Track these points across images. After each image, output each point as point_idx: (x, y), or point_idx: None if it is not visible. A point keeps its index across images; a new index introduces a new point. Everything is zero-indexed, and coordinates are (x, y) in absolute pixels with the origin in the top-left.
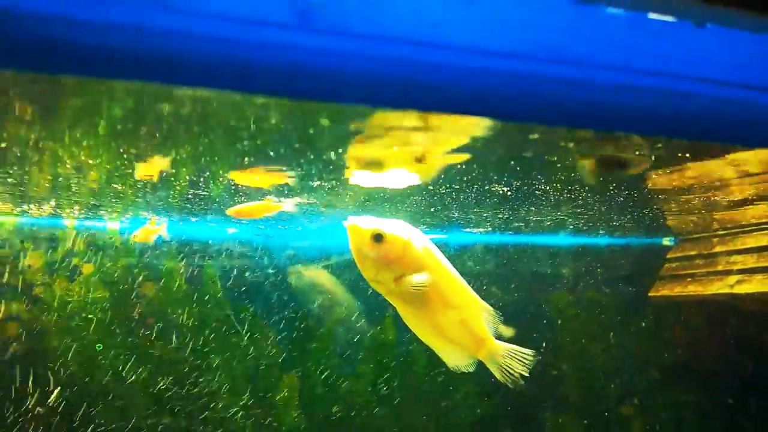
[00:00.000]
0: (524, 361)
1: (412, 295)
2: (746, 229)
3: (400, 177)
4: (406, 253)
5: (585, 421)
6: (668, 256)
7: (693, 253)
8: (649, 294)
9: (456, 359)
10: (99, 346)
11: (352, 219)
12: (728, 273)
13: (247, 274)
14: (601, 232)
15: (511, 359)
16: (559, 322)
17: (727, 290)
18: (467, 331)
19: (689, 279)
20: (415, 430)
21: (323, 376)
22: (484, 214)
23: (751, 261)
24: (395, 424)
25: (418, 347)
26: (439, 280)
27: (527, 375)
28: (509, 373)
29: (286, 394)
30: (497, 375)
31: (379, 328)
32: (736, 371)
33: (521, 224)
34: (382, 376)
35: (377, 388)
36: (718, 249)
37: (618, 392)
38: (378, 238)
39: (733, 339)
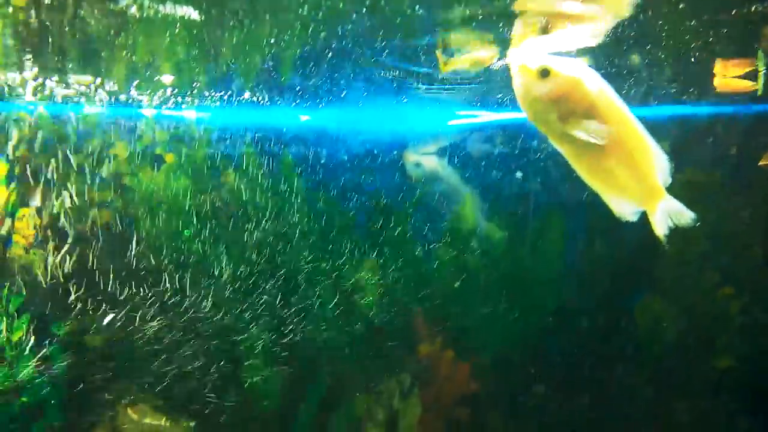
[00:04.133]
0: (685, 221)
1: (580, 138)
2: None
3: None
4: (576, 92)
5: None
6: None
7: None
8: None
9: (623, 208)
10: (187, 232)
11: (518, 56)
12: None
13: (322, 161)
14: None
15: (673, 216)
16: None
17: None
18: (639, 179)
19: None
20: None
21: (401, 263)
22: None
23: None
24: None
25: None
26: (612, 124)
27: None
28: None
29: (367, 277)
30: (656, 230)
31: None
32: None
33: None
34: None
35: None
36: None
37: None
38: (545, 73)
39: None
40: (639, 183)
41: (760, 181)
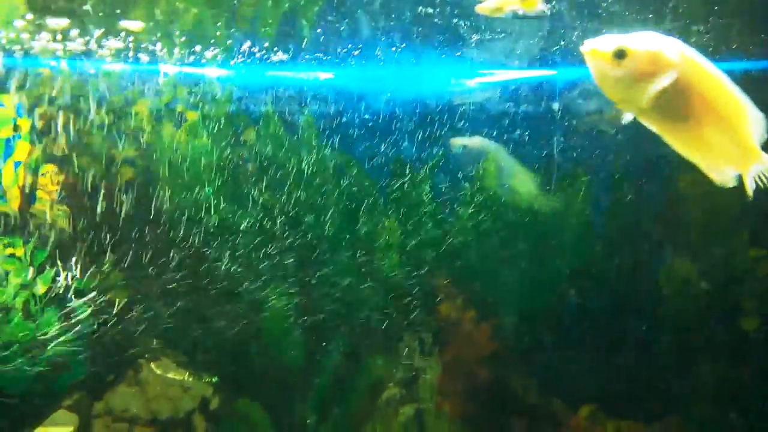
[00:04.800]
0: None
1: (669, 110)
2: None
3: None
4: (658, 65)
5: None
6: None
7: None
8: None
9: (721, 175)
10: (209, 190)
11: (590, 42)
12: None
13: (343, 119)
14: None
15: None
16: None
17: None
18: (736, 143)
19: None
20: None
21: (421, 223)
22: None
23: None
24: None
25: None
26: (701, 88)
27: None
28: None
29: (387, 238)
30: (748, 189)
31: None
32: None
33: None
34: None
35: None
36: None
37: None
38: (620, 54)
39: None
40: (736, 147)
41: None
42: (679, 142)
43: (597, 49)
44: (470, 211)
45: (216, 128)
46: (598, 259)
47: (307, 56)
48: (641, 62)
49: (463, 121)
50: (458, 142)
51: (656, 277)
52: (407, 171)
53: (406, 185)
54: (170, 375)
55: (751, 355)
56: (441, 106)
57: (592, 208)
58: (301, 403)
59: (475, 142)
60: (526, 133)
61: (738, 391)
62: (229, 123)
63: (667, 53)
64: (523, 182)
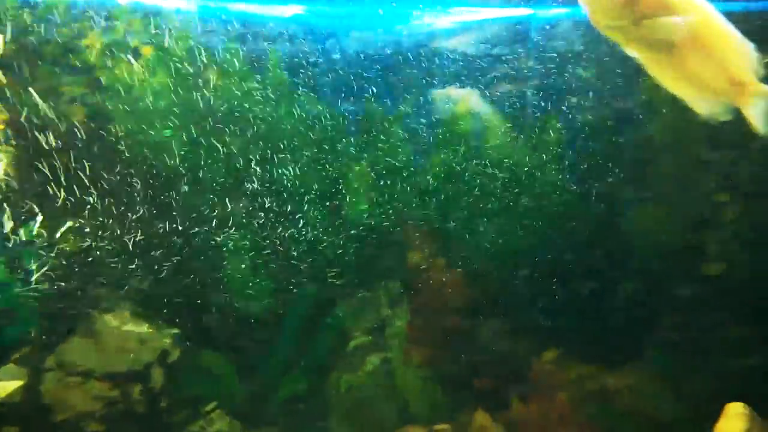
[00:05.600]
0: None
1: (656, 40)
2: None
3: None
4: None
5: None
6: None
7: None
8: None
9: (710, 107)
10: (167, 132)
11: None
12: None
13: (312, 59)
14: None
15: None
16: None
17: None
18: (724, 74)
19: None
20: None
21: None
22: None
23: None
24: None
25: None
26: (686, 17)
27: None
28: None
29: (356, 185)
30: (755, 124)
31: None
32: None
33: None
34: None
35: None
36: None
37: None
38: None
39: None
40: (724, 77)
41: None
42: (666, 76)
43: None
44: (440, 156)
45: (174, 65)
46: (568, 205)
47: None
48: None
49: (433, 64)
50: (441, 94)
51: (626, 223)
52: (376, 116)
53: (374, 131)
54: (127, 327)
55: (713, 301)
56: (412, 48)
57: (563, 155)
58: (266, 354)
59: (458, 93)
60: (498, 76)
61: (701, 338)
62: (188, 60)
63: None
64: (494, 128)
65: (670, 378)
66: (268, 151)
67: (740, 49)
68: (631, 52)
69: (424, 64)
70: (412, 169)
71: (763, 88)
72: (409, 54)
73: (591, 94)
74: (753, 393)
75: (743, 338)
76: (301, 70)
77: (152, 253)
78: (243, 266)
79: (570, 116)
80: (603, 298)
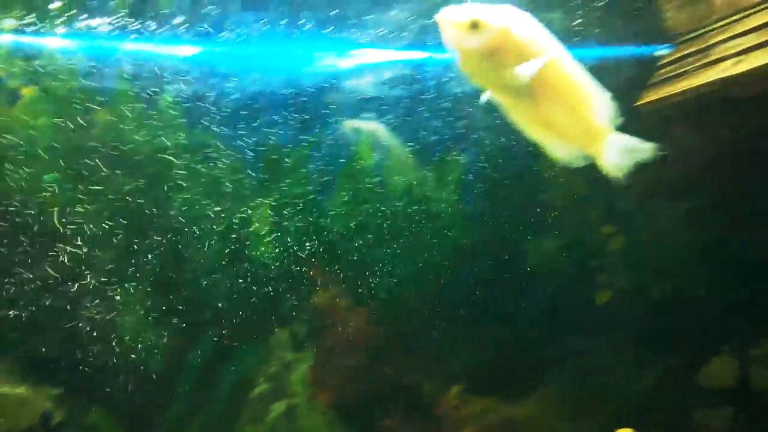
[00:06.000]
0: (639, 155)
1: (517, 87)
2: (748, 12)
3: None
4: (508, 40)
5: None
6: (660, 63)
7: (688, 51)
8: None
9: (567, 153)
10: (51, 177)
11: (444, 11)
12: (723, 60)
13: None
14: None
15: (625, 153)
16: None
17: (722, 75)
18: (577, 121)
19: (681, 77)
20: None
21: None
22: None
23: (749, 42)
24: None
25: None
26: (546, 68)
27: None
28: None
29: (258, 225)
30: (607, 171)
31: None
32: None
33: None
34: None
35: None
36: (714, 40)
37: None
38: (474, 26)
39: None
40: (578, 125)
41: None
42: (523, 120)
43: (450, 19)
44: (344, 195)
45: (58, 106)
46: (470, 239)
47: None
48: (492, 37)
49: (334, 104)
50: (350, 125)
51: (524, 257)
52: (278, 155)
53: (276, 170)
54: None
55: (603, 328)
56: (312, 88)
57: (463, 190)
58: (161, 410)
59: (369, 125)
60: (399, 116)
61: (596, 363)
62: (72, 101)
63: (514, 30)
64: (399, 163)
65: (569, 405)
66: (164, 195)
67: (595, 99)
68: (496, 97)
69: (327, 101)
70: (314, 207)
71: (615, 136)
72: (311, 91)
73: (483, 133)
74: (647, 416)
75: (637, 363)
76: (199, 109)
77: (31, 307)
78: (134, 314)
79: (467, 154)
80: (507, 329)
